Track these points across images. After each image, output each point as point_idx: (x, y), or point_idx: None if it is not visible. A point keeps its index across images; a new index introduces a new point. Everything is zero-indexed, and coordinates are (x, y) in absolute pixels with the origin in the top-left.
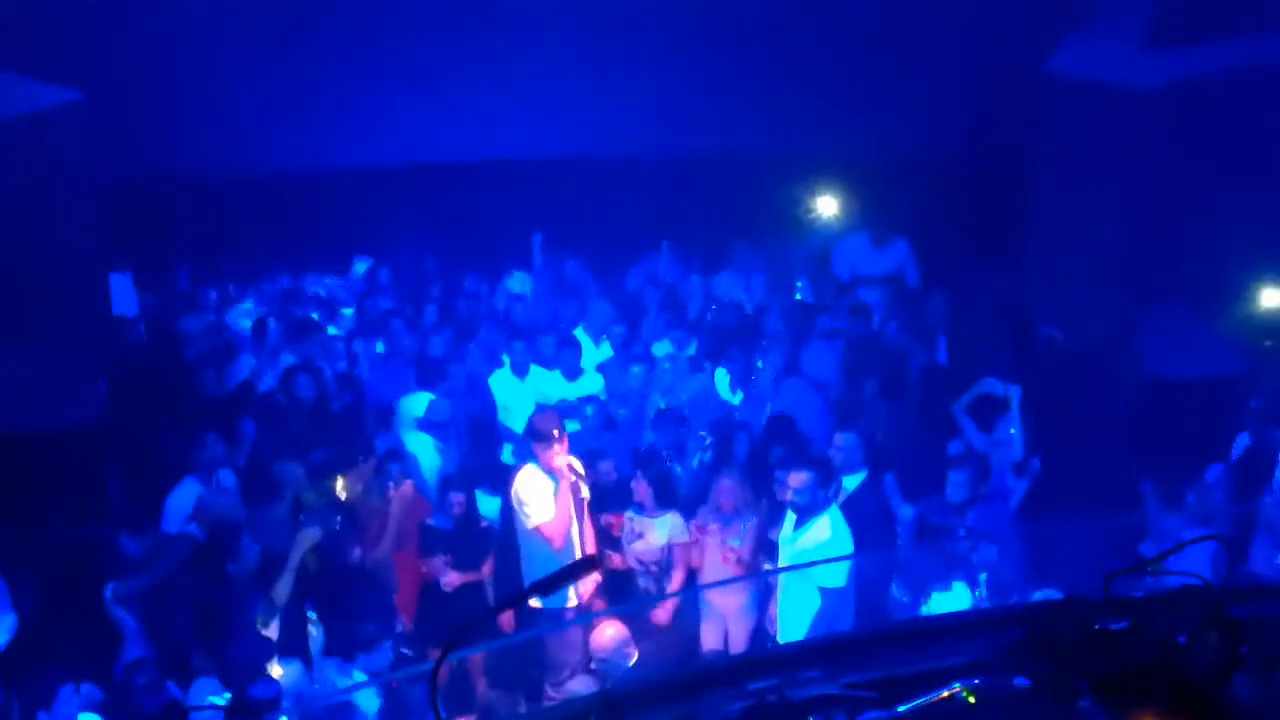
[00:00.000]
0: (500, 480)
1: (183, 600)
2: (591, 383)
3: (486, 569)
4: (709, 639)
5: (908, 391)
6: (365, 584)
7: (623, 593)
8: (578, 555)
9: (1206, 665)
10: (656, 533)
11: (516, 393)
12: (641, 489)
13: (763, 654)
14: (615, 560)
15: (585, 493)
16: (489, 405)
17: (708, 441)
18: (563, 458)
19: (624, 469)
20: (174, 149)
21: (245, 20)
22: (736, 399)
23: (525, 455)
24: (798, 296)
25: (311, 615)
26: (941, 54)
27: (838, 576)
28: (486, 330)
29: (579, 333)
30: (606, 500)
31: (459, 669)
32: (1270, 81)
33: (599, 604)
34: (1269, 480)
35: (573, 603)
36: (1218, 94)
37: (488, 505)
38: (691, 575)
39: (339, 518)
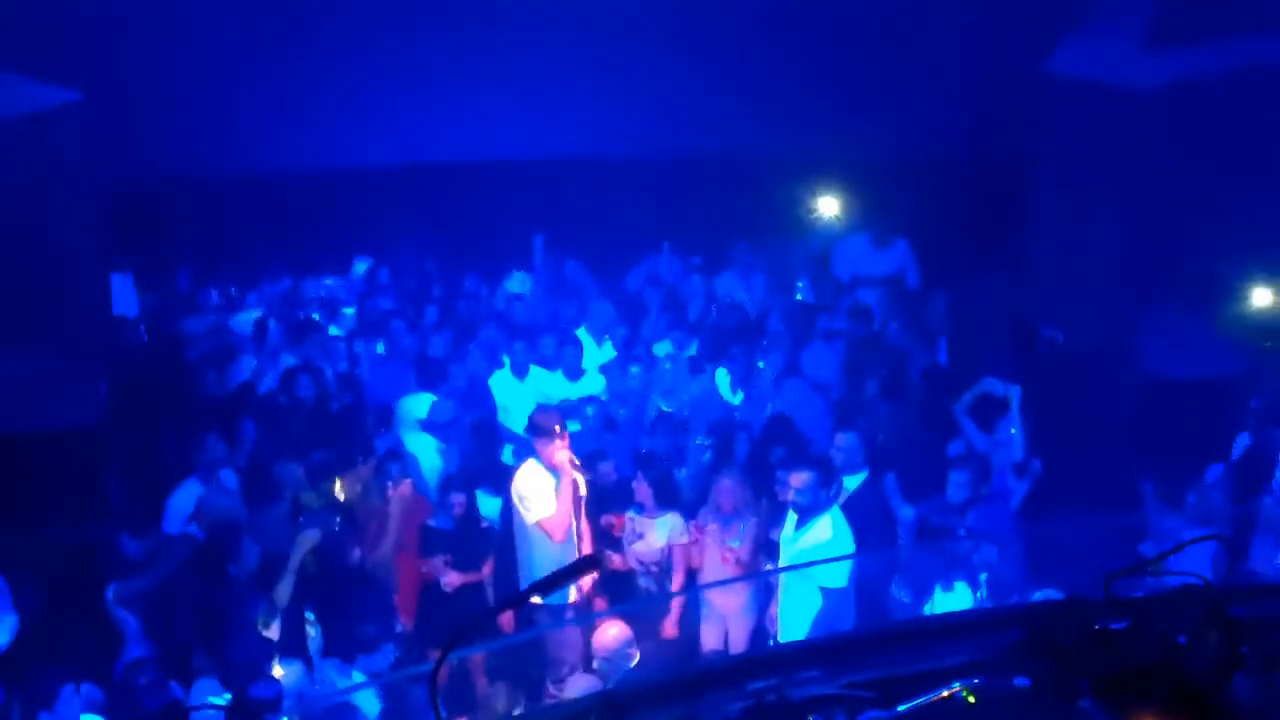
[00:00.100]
0: (501, 481)
1: (184, 601)
2: (593, 383)
3: (487, 569)
4: (709, 639)
5: (908, 392)
6: (365, 585)
7: (623, 593)
8: (577, 551)
9: (1207, 665)
10: (656, 533)
11: (516, 393)
12: (642, 489)
13: (762, 654)
14: (616, 560)
15: (583, 490)
16: (489, 406)
17: (706, 446)
18: (564, 453)
19: (624, 469)
20: (174, 149)
21: (245, 20)
22: (737, 399)
23: (526, 456)
24: (798, 297)
25: (309, 616)
26: (941, 54)
27: (839, 577)
28: (486, 331)
29: (581, 333)
30: (607, 501)
31: (460, 669)
32: (1270, 81)
33: (600, 603)
34: (1269, 480)
35: (572, 598)
36: (1218, 94)
37: (488, 506)
38: (692, 575)
39: (338, 519)
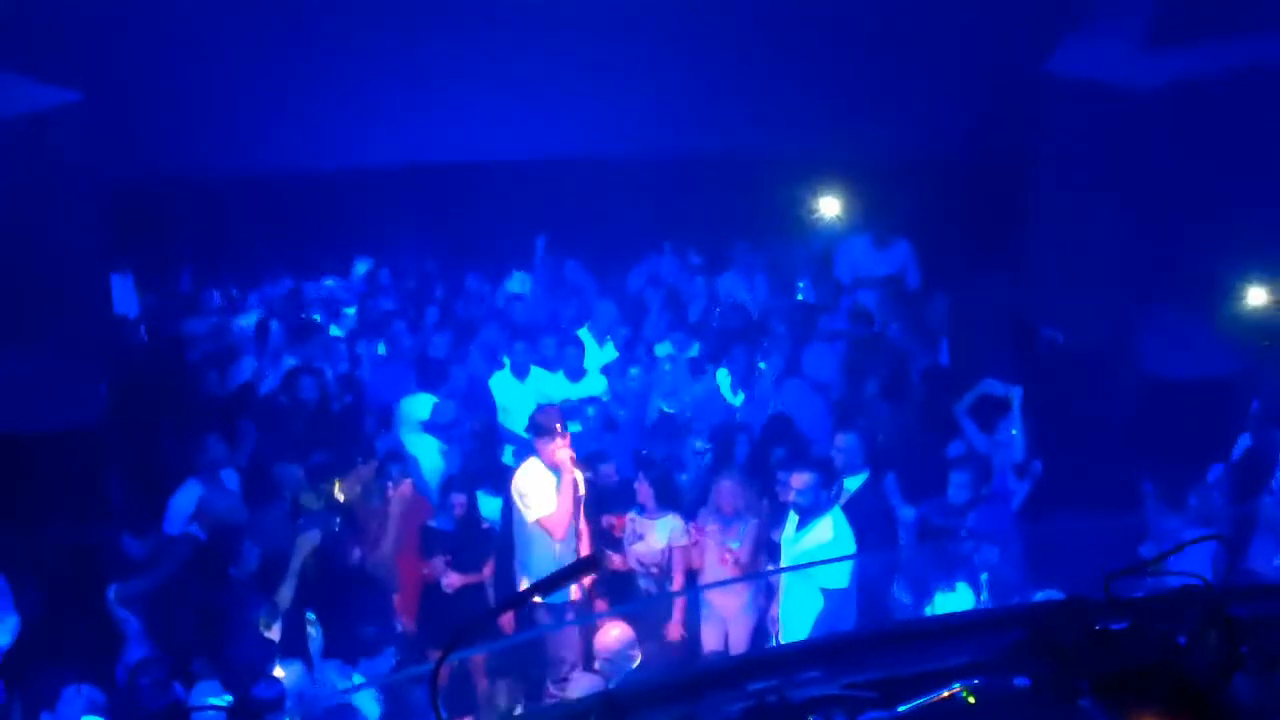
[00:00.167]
0: (502, 481)
1: (185, 601)
2: (595, 384)
3: (487, 570)
4: (709, 640)
5: (909, 393)
6: (366, 586)
7: (623, 593)
8: (577, 549)
9: (1207, 665)
10: (656, 534)
11: (517, 394)
12: (643, 490)
13: (763, 654)
14: (616, 561)
15: (582, 489)
16: (490, 407)
17: (704, 450)
18: (565, 451)
19: (625, 470)
20: (174, 149)
21: (245, 20)
22: (738, 400)
23: (526, 457)
24: (799, 297)
25: (310, 616)
26: (941, 54)
27: (840, 578)
28: (487, 331)
29: (584, 334)
30: (607, 501)
31: (460, 669)
32: (1270, 81)
33: (600, 603)
34: (1269, 481)
35: (574, 595)
36: (1218, 94)
37: (489, 506)
38: (692, 577)
39: (338, 520)
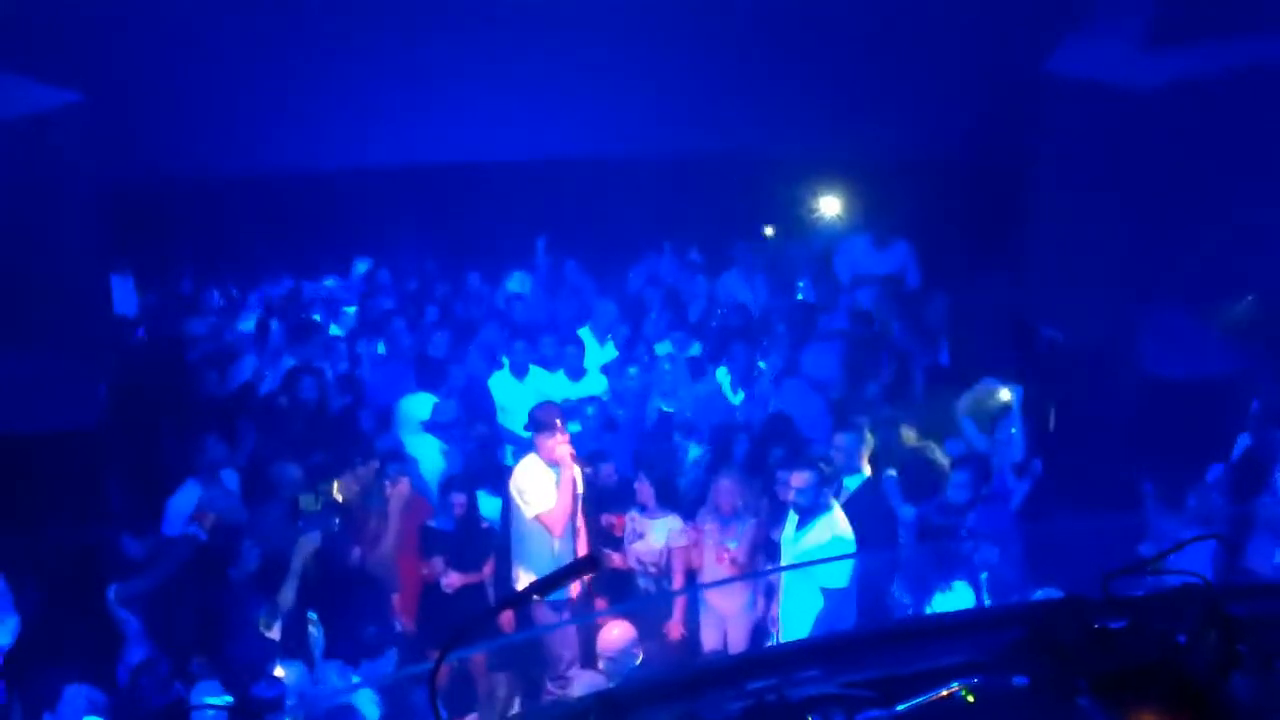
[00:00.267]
0: (501, 481)
1: (185, 602)
2: (595, 383)
3: (487, 570)
4: (708, 639)
5: (909, 392)
6: (367, 586)
7: (623, 592)
8: (576, 546)
9: (1205, 664)
10: (655, 534)
11: (516, 394)
12: (644, 490)
13: (762, 653)
14: (616, 559)
15: (581, 486)
16: (489, 406)
17: (696, 454)
18: (564, 448)
19: (624, 470)
20: (175, 150)
21: (245, 21)
22: (737, 399)
23: (526, 456)
24: (799, 297)
25: (312, 616)
26: (941, 54)
27: (840, 577)
28: (487, 331)
29: (585, 333)
30: (607, 501)
31: (460, 668)
32: (1270, 81)
33: (599, 602)
34: (1268, 481)
35: (573, 594)
36: (1218, 94)
37: (488, 506)
38: (691, 577)
39: (338, 520)
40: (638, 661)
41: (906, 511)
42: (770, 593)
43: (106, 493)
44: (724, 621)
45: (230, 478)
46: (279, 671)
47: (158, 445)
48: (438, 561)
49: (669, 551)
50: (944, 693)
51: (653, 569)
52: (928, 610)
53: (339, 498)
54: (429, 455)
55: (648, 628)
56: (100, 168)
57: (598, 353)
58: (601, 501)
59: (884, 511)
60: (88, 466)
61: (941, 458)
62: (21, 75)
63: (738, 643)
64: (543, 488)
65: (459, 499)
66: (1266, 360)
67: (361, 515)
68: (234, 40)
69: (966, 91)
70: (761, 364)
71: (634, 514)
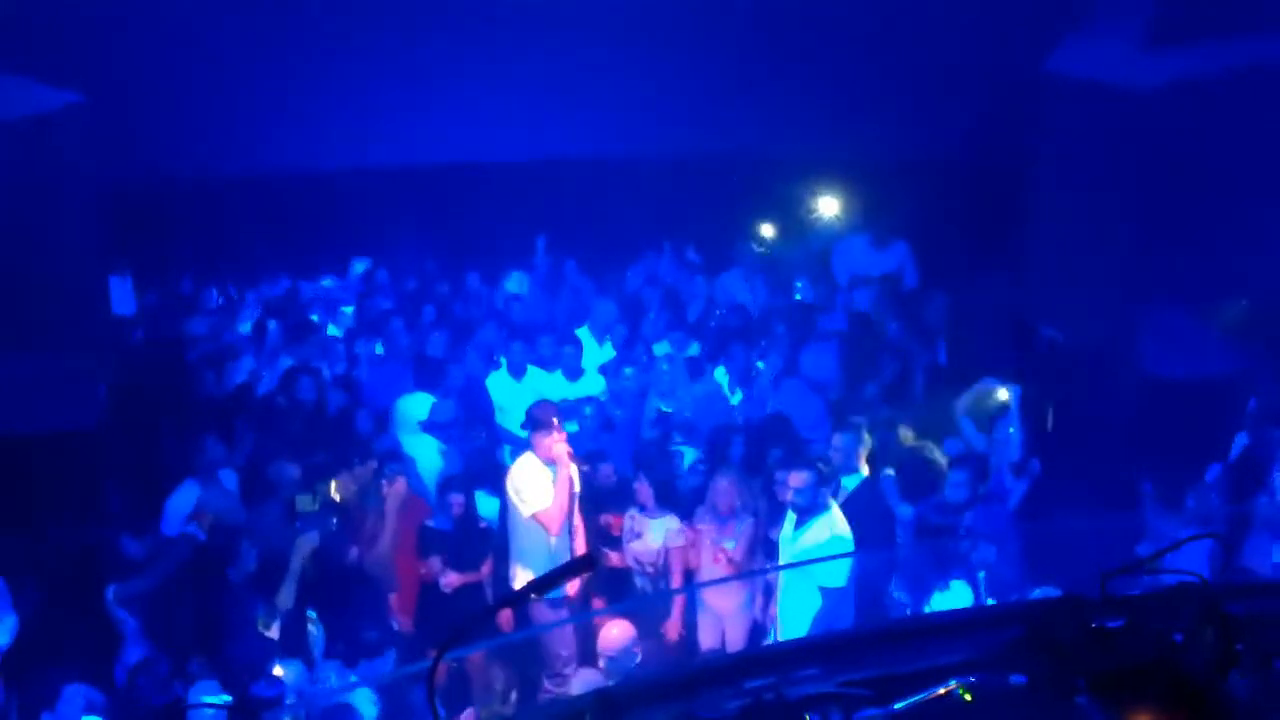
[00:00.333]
0: (499, 481)
1: (183, 602)
2: (593, 383)
3: (486, 569)
4: (706, 639)
5: (907, 392)
6: (365, 587)
7: (620, 591)
8: (574, 544)
9: (1203, 662)
10: (653, 533)
11: (514, 394)
12: (644, 490)
13: (759, 652)
14: (614, 558)
15: (578, 485)
16: (487, 406)
17: (692, 459)
18: (561, 446)
19: (623, 470)
20: (173, 150)
21: (245, 21)
22: (736, 399)
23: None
24: (797, 297)
25: (311, 615)
26: (941, 54)
27: (838, 576)
28: (485, 331)
29: (584, 333)
30: (606, 501)
31: (458, 667)
32: (1270, 81)
33: (597, 601)
34: (1266, 480)
35: (570, 593)
36: (1218, 94)
37: (486, 506)
38: (688, 577)
39: (335, 520)
40: (638, 660)
41: (904, 511)
42: (768, 592)
43: (105, 493)
44: (722, 621)
45: (229, 478)
46: (278, 671)
47: (156, 445)
48: (436, 561)
49: (666, 551)
50: (941, 691)
51: (650, 568)
52: (926, 609)
53: (336, 498)
54: (427, 455)
55: (645, 627)
56: (99, 168)
57: (596, 353)
58: (600, 501)
59: (882, 511)
60: (86, 466)
61: (940, 457)
62: (21, 75)
63: (735, 642)
64: (539, 486)
65: (457, 499)
66: (1265, 360)
67: (359, 515)
68: (232, 40)
69: (964, 91)
70: (760, 364)
71: (633, 513)
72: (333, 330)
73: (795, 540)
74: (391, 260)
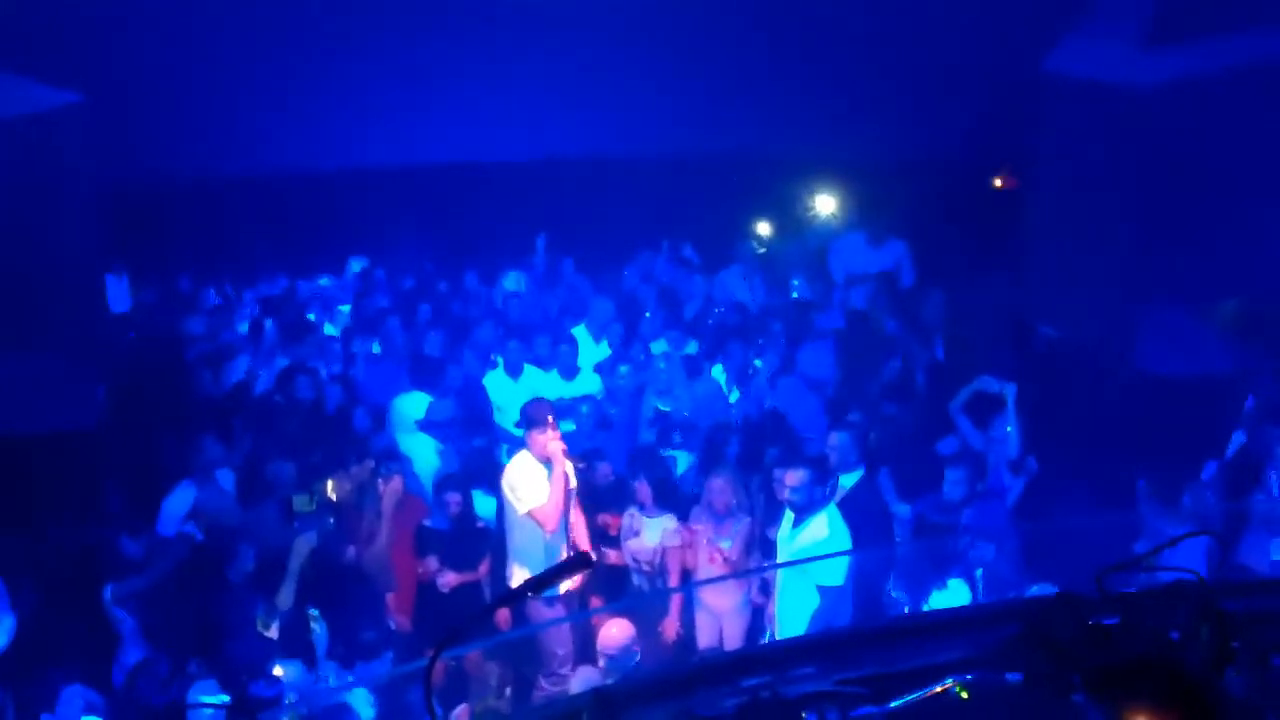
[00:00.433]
0: (496, 480)
1: (181, 601)
2: (590, 382)
3: (483, 568)
4: (704, 637)
5: (904, 390)
6: (364, 587)
7: (617, 589)
8: (569, 541)
9: (1199, 659)
10: (650, 532)
11: (511, 393)
12: (643, 489)
13: (756, 651)
14: (612, 556)
15: (573, 482)
16: (485, 405)
17: (687, 464)
18: (556, 443)
19: (620, 469)
20: (171, 150)
21: (244, 21)
22: (733, 398)
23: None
24: (794, 295)
25: (313, 612)
26: (941, 54)
27: (836, 575)
28: (482, 330)
29: (582, 332)
30: (603, 500)
31: (455, 666)
32: (1270, 81)
33: (594, 600)
34: (1263, 478)
35: (568, 591)
36: (1218, 94)
37: (484, 505)
38: (685, 576)
39: (333, 520)
40: (637, 659)
41: (902, 509)
42: (766, 590)
43: (103, 493)
44: (719, 619)
45: (225, 478)
46: (278, 670)
47: (154, 445)
48: (433, 561)
49: (663, 550)
50: (938, 689)
51: (646, 567)
52: (923, 607)
53: (333, 497)
54: (424, 454)
55: (643, 625)
56: (97, 167)
57: (593, 351)
58: (598, 500)
59: (880, 509)
60: (84, 466)
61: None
62: (20, 75)
63: (733, 640)
64: (534, 484)
65: (454, 498)
66: (1262, 358)
67: (356, 515)
68: (230, 40)
69: (961, 90)
70: (757, 362)
71: (633, 510)
72: (329, 329)
73: (793, 538)
74: (388, 259)
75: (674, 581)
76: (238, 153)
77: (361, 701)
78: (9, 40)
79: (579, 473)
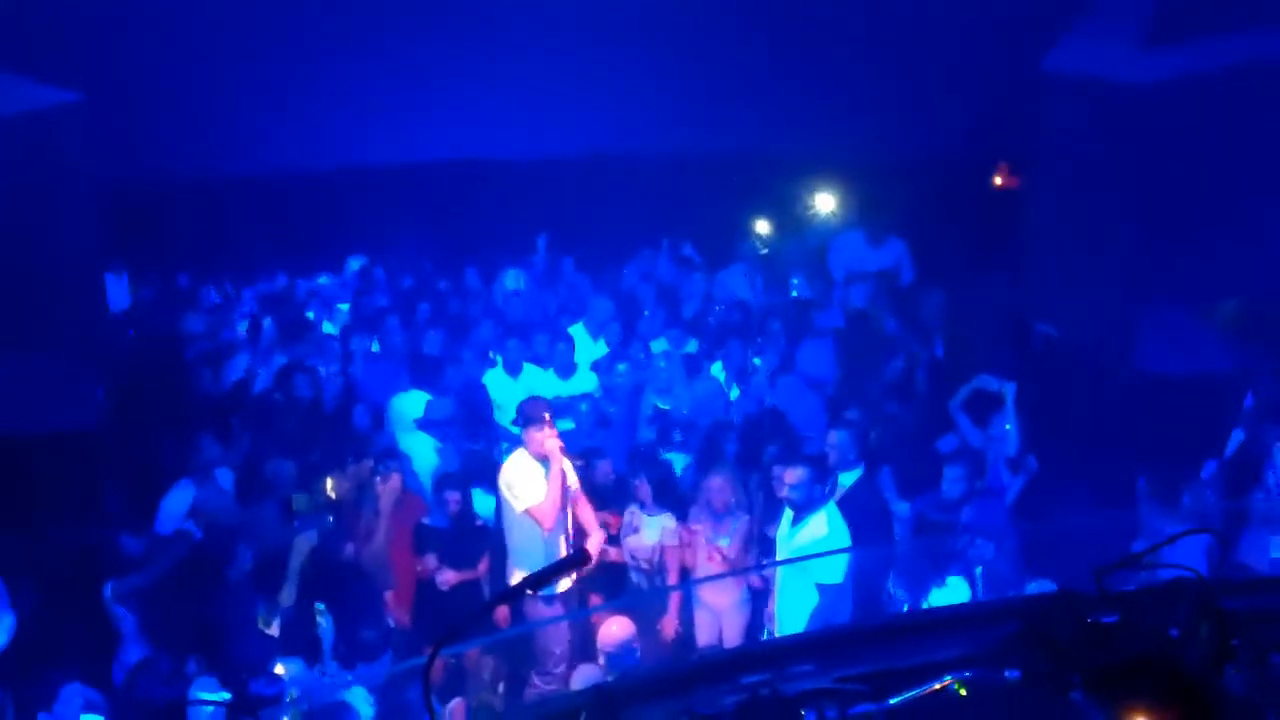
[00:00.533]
0: (495, 479)
1: (181, 600)
2: (589, 381)
3: (482, 567)
4: (703, 635)
5: (903, 388)
6: (362, 585)
7: (617, 588)
8: (567, 539)
9: (1198, 658)
10: (649, 530)
11: (510, 391)
12: (643, 488)
13: (755, 648)
14: (611, 553)
15: (573, 479)
16: (484, 404)
17: (683, 466)
18: (553, 441)
19: (619, 467)
20: (170, 149)
21: (244, 21)
22: (733, 396)
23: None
24: (794, 294)
25: (320, 606)
26: (941, 54)
27: (835, 573)
28: (481, 328)
29: (581, 331)
30: (603, 498)
31: (454, 664)
32: (1270, 81)
33: (593, 598)
34: (1262, 476)
35: (565, 588)
36: (1217, 93)
37: (483, 503)
38: (684, 575)
39: (332, 518)
40: (637, 657)
41: (901, 507)
42: (765, 588)
43: (102, 492)
44: (718, 617)
45: (225, 476)
46: (279, 669)
47: (153, 444)
48: (432, 559)
49: (661, 549)
50: (937, 686)
51: (645, 565)
52: (922, 605)
53: (333, 496)
54: (423, 453)
55: (643, 623)
56: (97, 166)
57: (592, 350)
58: (597, 498)
59: (879, 507)
60: (84, 466)
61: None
62: (20, 75)
63: (732, 638)
64: (532, 482)
65: (453, 496)
66: (1262, 358)
67: (355, 513)
68: (230, 40)
69: (961, 90)
70: (756, 361)
71: (633, 508)
72: (329, 328)
73: (792, 537)
74: (388, 258)
75: (673, 579)
76: (237, 152)
77: (360, 699)
78: (9, 40)
79: (579, 471)
